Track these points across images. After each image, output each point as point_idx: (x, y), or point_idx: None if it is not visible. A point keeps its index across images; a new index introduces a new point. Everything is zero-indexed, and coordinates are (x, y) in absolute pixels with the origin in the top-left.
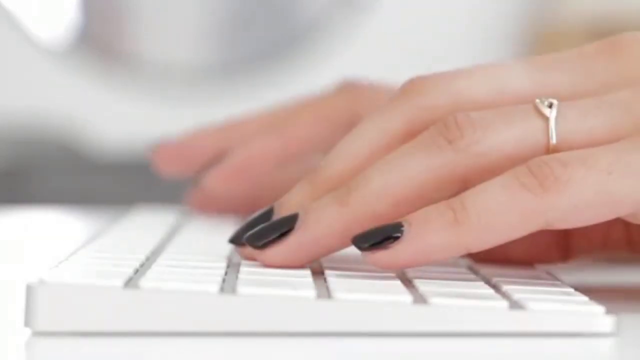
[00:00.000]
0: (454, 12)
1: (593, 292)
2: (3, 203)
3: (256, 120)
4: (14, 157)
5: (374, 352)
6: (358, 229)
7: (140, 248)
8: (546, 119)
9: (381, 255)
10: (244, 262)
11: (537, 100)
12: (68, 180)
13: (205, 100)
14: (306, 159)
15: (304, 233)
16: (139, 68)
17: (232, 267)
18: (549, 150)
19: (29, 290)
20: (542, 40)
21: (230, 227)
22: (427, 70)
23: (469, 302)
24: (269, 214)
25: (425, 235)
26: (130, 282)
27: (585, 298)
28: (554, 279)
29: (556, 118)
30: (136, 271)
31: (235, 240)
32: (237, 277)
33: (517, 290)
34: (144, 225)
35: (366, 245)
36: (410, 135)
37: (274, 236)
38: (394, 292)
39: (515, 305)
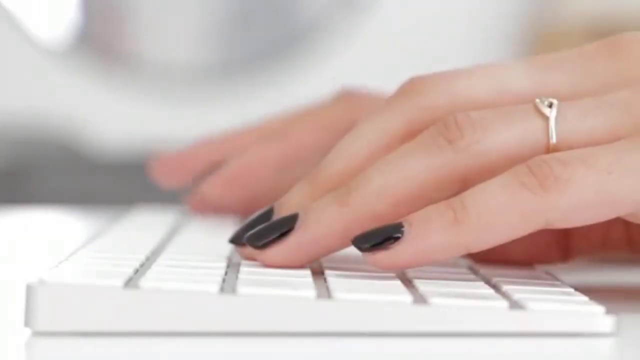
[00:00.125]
0: (454, 12)
1: (593, 292)
2: (3, 203)
3: (254, 131)
4: (14, 157)
5: (374, 352)
6: (358, 229)
7: (140, 248)
8: (546, 119)
9: (382, 256)
10: (244, 262)
11: (537, 100)
12: (68, 180)
13: (205, 100)
14: (304, 167)
15: (304, 233)
16: (139, 68)
17: (232, 267)
18: (549, 149)
19: (29, 290)
20: (542, 40)
21: (230, 227)
22: (427, 70)
23: (469, 302)
24: (269, 214)
25: (425, 235)
26: (130, 282)
27: (585, 298)
28: (554, 279)
29: (556, 118)
30: (136, 271)
31: (236, 240)
32: (237, 277)
33: (517, 290)
34: (144, 225)
35: (367, 246)
36: (410, 135)
37: (274, 236)
38: (394, 292)
39: (515, 305)
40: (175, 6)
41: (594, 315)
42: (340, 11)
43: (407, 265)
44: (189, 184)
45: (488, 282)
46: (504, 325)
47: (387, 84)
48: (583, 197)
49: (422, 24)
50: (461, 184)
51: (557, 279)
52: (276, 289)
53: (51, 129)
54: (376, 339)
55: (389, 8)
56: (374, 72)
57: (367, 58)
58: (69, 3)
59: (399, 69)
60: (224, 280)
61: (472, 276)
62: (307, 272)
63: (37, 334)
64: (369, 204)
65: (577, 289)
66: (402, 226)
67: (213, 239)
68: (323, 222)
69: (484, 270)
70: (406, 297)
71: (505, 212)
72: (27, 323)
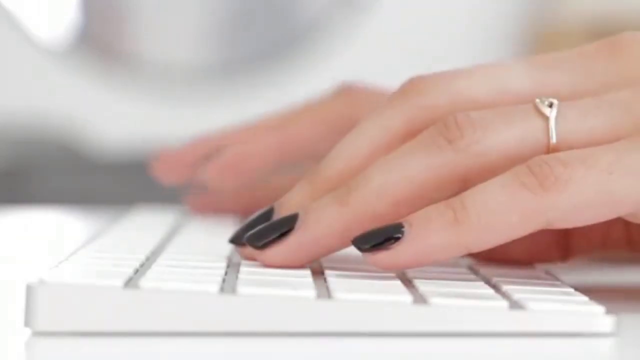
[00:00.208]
0: (454, 12)
1: (593, 292)
2: (3, 203)
3: (253, 128)
4: (14, 157)
5: (374, 352)
6: (358, 229)
7: (140, 248)
8: (546, 119)
9: (382, 256)
10: (244, 262)
11: (537, 100)
12: (68, 180)
13: (205, 100)
14: (301, 160)
15: (304, 233)
16: (139, 68)
17: (232, 267)
18: (549, 149)
19: (29, 290)
20: (542, 40)
21: (230, 227)
22: (427, 70)
23: (469, 302)
24: (269, 213)
25: (425, 235)
26: (130, 282)
27: (585, 298)
28: (554, 279)
29: (556, 118)
30: (136, 271)
31: (236, 240)
32: (237, 277)
33: (517, 290)
34: (144, 225)
35: (367, 246)
36: (410, 134)
37: (274, 236)
38: (394, 292)
39: (515, 305)
40: (175, 6)
41: (594, 315)
42: (340, 11)
43: (407, 266)
44: (188, 181)
45: (488, 282)
46: (504, 325)
47: (387, 84)
48: (583, 197)
49: (422, 24)
50: (461, 184)
51: (557, 279)
52: (276, 289)
53: (51, 129)
54: (376, 339)
55: (389, 8)
56: (374, 72)
57: (367, 58)
58: (69, 3)
59: (399, 69)
60: (224, 280)
61: (472, 276)
62: (307, 272)
63: (37, 334)
64: (369, 203)
65: (577, 289)
66: (402, 226)
67: (213, 239)
68: (323, 222)
69: (484, 270)
70: (406, 297)
71: (505, 212)
72: (27, 323)
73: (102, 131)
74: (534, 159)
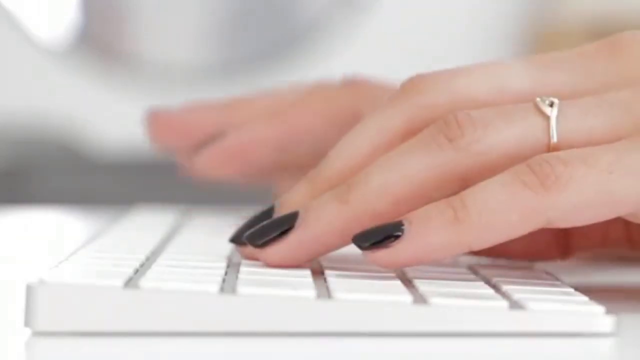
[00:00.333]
0: (454, 12)
1: (593, 292)
2: (3, 203)
3: (258, 102)
4: (14, 157)
5: (374, 352)
6: (358, 227)
7: (140, 248)
8: (547, 118)
9: (382, 254)
10: (244, 262)
11: (538, 99)
12: (68, 180)
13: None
14: (299, 151)
15: (304, 231)
16: (139, 68)
17: (232, 267)
18: (550, 149)
19: (29, 290)
20: (542, 40)
21: (230, 227)
22: (427, 70)
23: (469, 302)
24: (269, 212)
25: (425, 233)
26: (130, 282)
27: (585, 298)
28: (554, 279)
29: (557, 117)
30: (136, 271)
31: (236, 239)
32: (237, 277)
33: (517, 290)
34: (144, 225)
35: (367, 244)
36: (410, 133)
37: (274, 234)
38: (394, 292)
39: (515, 305)
40: (175, 6)
41: (594, 315)
42: (340, 11)
43: (407, 264)
44: (183, 149)
45: (488, 282)
46: (504, 325)
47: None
48: (583, 196)
49: (422, 24)
50: (461, 183)
51: (557, 279)
52: (276, 289)
53: (51, 129)
54: (376, 339)
55: (389, 8)
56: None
57: (367, 58)
58: (69, 3)
59: (399, 69)
60: (224, 280)
61: (472, 276)
62: (307, 272)
63: (37, 334)
64: (369, 202)
65: (577, 289)
66: (402, 224)
67: (213, 239)
68: (323, 220)
69: (484, 270)
70: (406, 297)
71: (505, 211)
72: (27, 323)
73: (102, 131)
74: (535, 158)
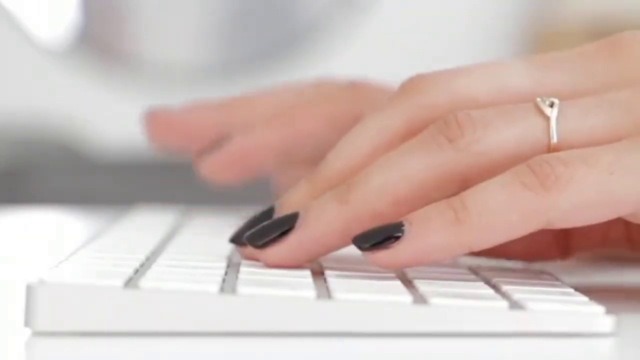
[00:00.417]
0: (454, 12)
1: (593, 292)
2: (3, 203)
3: (258, 101)
4: (14, 157)
5: (374, 352)
6: (358, 228)
7: (140, 248)
8: (547, 118)
9: (382, 255)
10: (244, 262)
11: (538, 99)
12: (68, 180)
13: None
14: (304, 156)
15: (304, 232)
16: (139, 68)
17: (232, 267)
18: (550, 149)
19: (29, 290)
20: (542, 40)
21: (230, 227)
22: (427, 70)
23: (469, 302)
24: (269, 213)
25: (426, 234)
26: (130, 282)
27: (585, 298)
28: (554, 279)
29: (557, 117)
30: (136, 271)
31: (236, 239)
32: (237, 277)
33: (517, 290)
34: (144, 225)
35: (367, 245)
36: (410, 133)
37: (274, 235)
38: (394, 292)
39: (515, 305)
40: (175, 6)
41: (594, 315)
42: (340, 11)
43: (407, 265)
44: (182, 149)
45: (488, 282)
46: (504, 325)
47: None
48: (584, 197)
49: (422, 24)
50: (461, 183)
51: (557, 279)
52: (276, 289)
53: (51, 129)
54: (376, 339)
55: (389, 8)
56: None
57: (367, 58)
58: (69, 3)
59: (399, 69)
60: (224, 280)
61: (472, 276)
62: (307, 272)
63: (37, 334)
64: (369, 202)
65: (577, 289)
66: (403, 225)
67: (213, 239)
68: (323, 220)
69: (484, 270)
70: (406, 297)
71: (505, 211)
72: (27, 323)
73: (102, 131)
74: (535, 159)
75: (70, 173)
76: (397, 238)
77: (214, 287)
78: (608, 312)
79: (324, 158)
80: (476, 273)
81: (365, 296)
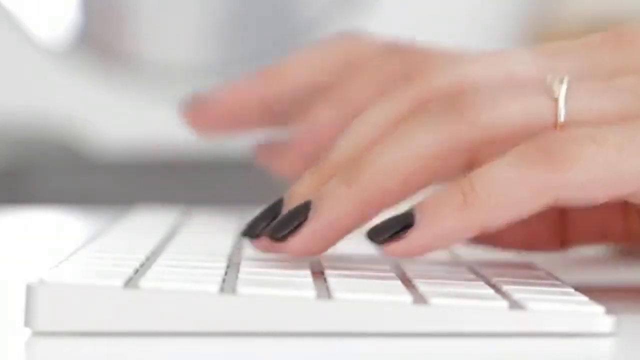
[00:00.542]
0: (454, 12)
1: (593, 292)
2: (3, 203)
3: (301, 70)
4: (14, 157)
5: (374, 352)
6: (370, 207)
7: (140, 248)
8: (555, 98)
9: (396, 246)
10: (244, 262)
11: (548, 78)
12: (68, 180)
13: None
14: (288, 111)
15: (318, 219)
16: (139, 68)
17: (232, 267)
18: (557, 128)
19: (29, 290)
20: (542, 40)
21: (230, 227)
22: None
23: (469, 302)
24: (279, 204)
25: (437, 221)
26: (130, 282)
27: (585, 298)
28: (554, 279)
29: (565, 96)
30: (136, 271)
31: (248, 232)
32: (237, 277)
33: (517, 290)
34: (144, 225)
35: (380, 239)
36: None
37: (291, 227)
38: (394, 292)
39: (515, 305)
40: (175, 6)
41: (594, 315)
42: (340, 11)
43: (422, 252)
44: (230, 133)
45: (488, 282)
46: (504, 325)
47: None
48: (592, 174)
49: (422, 24)
50: (469, 155)
51: (557, 279)
52: (276, 289)
53: (51, 129)
54: (376, 339)
55: (389, 8)
56: None
57: None
58: (69, 3)
59: None
60: (224, 280)
61: (472, 276)
62: (307, 272)
63: (37, 334)
64: (378, 181)
65: (577, 289)
66: (414, 214)
67: (213, 239)
68: (335, 205)
69: (484, 270)
70: (406, 297)
71: (514, 189)
72: (27, 323)
73: (102, 131)
74: (543, 136)
75: (70, 173)
76: (409, 226)
77: (214, 287)
78: (608, 312)
79: (331, 147)
80: (476, 273)
81: (365, 296)
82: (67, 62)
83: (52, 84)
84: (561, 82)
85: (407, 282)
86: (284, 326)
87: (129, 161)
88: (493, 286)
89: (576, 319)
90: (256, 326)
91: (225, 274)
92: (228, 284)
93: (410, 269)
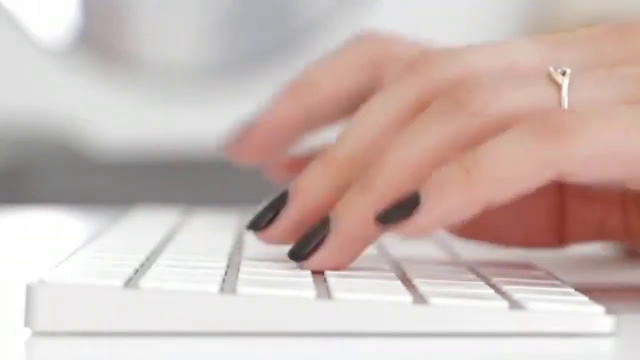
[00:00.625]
0: (454, 12)
1: (593, 292)
2: (3, 203)
3: (332, 78)
4: (14, 157)
5: (374, 352)
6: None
7: (140, 248)
8: (559, 87)
9: (405, 227)
10: (244, 262)
11: (551, 68)
12: (68, 180)
13: (205, 100)
14: (333, 117)
15: (340, 233)
16: (139, 68)
17: (232, 267)
18: None
19: (29, 290)
20: None
21: (230, 226)
22: None
23: (469, 302)
24: (283, 197)
25: (443, 199)
26: (130, 282)
27: (585, 298)
28: (554, 279)
29: (569, 86)
30: (136, 271)
31: (255, 225)
32: (237, 277)
33: (517, 290)
34: (144, 225)
35: (390, 223)
36: (421, 109)
37: (313, 244)
38: (394, 292)
39: (515, 305)
40: (175, 6)
41: (594, 315)
42: (340, 11)
43: (430, 231)
44: (275, 155)
45: (488, 282)
46: (504, 325)
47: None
48: (598, 150)
49: (422, 24)
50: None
51: (557, 279)
52: (276, 289)
53: (51, 129)
54: (376, 339)
55: (389, 8)
56: None
57: None
58: (69, 3)
59: None
60: (224, 280)
61: (472, 276)
62: (307, 272)
63: (37, 334)
64: (393, 184)
65: (577, 289)
66: (419, 195)
67: (213, 239)
68: (355, 216)
69: (484, 270)
70: (406, 297)
71: (518, 162)
72: (27, 323)
73: (102, 131)
74: (549, 112)
75: (70, 173)
76: (416, 207)
77: (214, 287)
78: (608, 312)
79: (335, 140)
80: (476, 273)
81: (365, 296)
82: (67, 62)
83: (52, 84)
84: (564, 71)
85: (407, 282)
86: (284, 326)
87: (129, 161)
88: (493, 286)
89: (576, 319)
90: (256, 326)
91: (225, 274)
92: (228, 284)
93: (410, 269)
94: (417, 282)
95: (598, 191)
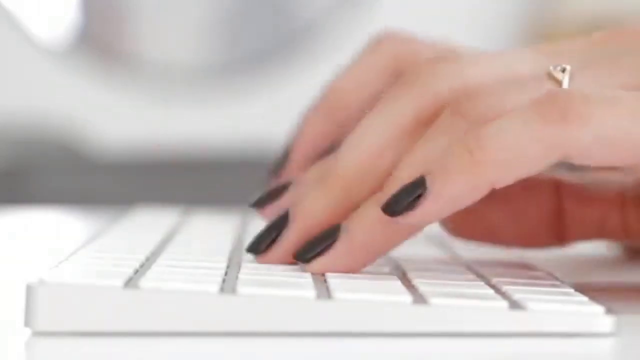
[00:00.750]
0: (454, 12)
1: (593, 292)
2: (3, 203)
3: (358, 85)
4: (14, 157)
5: (374, 352)
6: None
7: (140, 248)
8: (559, 83)
9: (411, 217)
10: (244, 262)
11: (551, 67)
12: (68, 180)
13: (205, 101)
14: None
15: (349, 240)
16: (139, 68)
17: (232, 267)
18: None
19: (29, 290)
20: (542, 40)
21: (230, 226)
22: None
23: (469, 302)
24: (283, 219)
25: (448, 186)
26: (130, 282)
27: (585, 298)
28: (554, 279)
29: (569, 83)
30: (136, 271)
31: (254, 249)
32: (237, 277)
33: (517, 290)
34: (144, 225)
35: (396, 211)
36: (420, 123)
37: (318, 249)
38: (394, 292)
39: (515, 305)
40: (175, 6)
41: (594, 315)
42: (340, 11)
43: (437, 218)
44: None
45: (488, 282)
46: (504, 325)
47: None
48: (605, 133)
49: (422, 24)
50: None
51: (557, 279)
52: (276, 289)
53: (51, 129)
54: (376, 339)
55: (389, 8)
56: None
57: None
58: (69, 3)
59: None
60: (224, 280)
61: (472, 276)
62: (307, 272)
63: (37, 334)
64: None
65: (577, 289)
66: (425, 182)
67: (213, 239)
68: (367, 224)
69: (484, 270)
70: (406, 297)
71: (524, 144)
72: (27, 323)
73: (102, 131)
74: (556, 92)
75: (70, 173)
76: (422, 194)
77: (214, 287)
78: (608, 312)
79: (334, 156)
80: (476, 273)
81: (365, 296)
82: (67, 62)
83: (52, 84)
84: (563, 68)
85: (407, 282)
86: (284, 326)
87: (129, 161)
88: (493, 286)
89: (576, 319)
90: (256, 326)
91: (225, 274)
92: (228, 284)
93: (410, 269)
94: (417, 282)
95: (597, 191)
